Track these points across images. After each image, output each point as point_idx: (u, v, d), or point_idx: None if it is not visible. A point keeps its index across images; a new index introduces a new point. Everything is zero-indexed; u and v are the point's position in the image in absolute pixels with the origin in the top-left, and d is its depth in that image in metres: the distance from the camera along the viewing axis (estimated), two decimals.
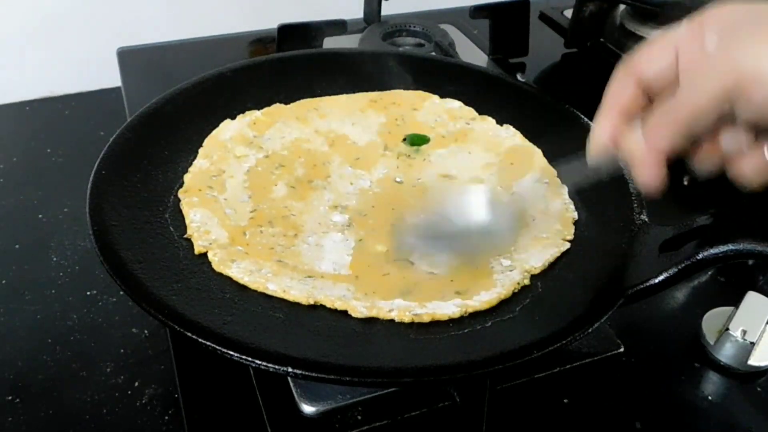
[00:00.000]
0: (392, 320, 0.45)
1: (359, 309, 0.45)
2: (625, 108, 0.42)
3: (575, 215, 0.55)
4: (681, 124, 0.39)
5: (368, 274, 0.49)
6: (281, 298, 0.46)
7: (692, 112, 0.38)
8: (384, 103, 0.66)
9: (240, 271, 0.48)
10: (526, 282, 0.49)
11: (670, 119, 0.39)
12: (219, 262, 0.48)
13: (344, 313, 0.46)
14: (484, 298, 0.47)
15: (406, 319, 0.45)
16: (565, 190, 0.57)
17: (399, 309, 0.46)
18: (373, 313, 0.45)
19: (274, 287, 0.47)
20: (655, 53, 0.41)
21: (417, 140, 0.62)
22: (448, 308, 0.46)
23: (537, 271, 0.50)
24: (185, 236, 0.50)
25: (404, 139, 0.62)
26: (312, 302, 0.46)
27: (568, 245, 0.52)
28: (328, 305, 0.46)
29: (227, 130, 0.61)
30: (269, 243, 0.51)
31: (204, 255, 0.49)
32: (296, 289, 0.47)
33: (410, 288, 0.48)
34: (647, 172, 0.41)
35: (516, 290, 0.48)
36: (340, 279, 0.48)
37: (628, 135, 0.41)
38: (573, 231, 0.53)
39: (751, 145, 0.39)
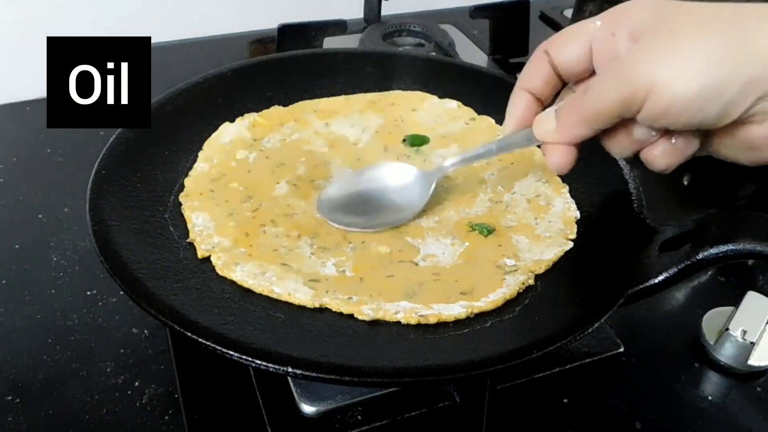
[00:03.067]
0: (396, 322, 0.45)
1: (365, 311, 0.45)
2: (537, 89, 0.44)
3: (577, 214, 0.54)
4: (586, 119, 0.40)
5: (372, 276, 0.49)
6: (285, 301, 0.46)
7: (594, 111, 0.39)
8: (383, 104, 0.66)
9: (244, 275, 0.47)
10: (531, 282, 0.49)
11: (577, 112, 0.41)
12: (222, 266, 0.48)
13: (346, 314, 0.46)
14: (490, 299, 0.47)
15: (413, 321, 0.45)
16: (566, 189, 0.57)
17: (405, 311, 0.45)
18: (380, 316, 0.45)
19: (279, 290, 0.46)
20: (571, 42, 0.42)
21: (417, 141, 0.62)
22: (454, 309, 0.46)
23: (542, 271, 0.50)
24: (188, 241, 0.50)
25: (404, 140, 0.62)
26: (318, 305, 0.46)
27: (571, 244, 0.52)
28: (334, 308, 0.46)
29: (226, 133, 0.61)
30: (272, 244, 0.51)
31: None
32: (301, 292, 0.46)
33: (415, 290, 0.47)
34: (557, 155, 0.43)
35: (521, 290, 0.48)
36: (344, 281, 0.48)
37: (543, 117, 0.43)
38: (576, 230, 0.53)
39: (659, 136, 0.40)
